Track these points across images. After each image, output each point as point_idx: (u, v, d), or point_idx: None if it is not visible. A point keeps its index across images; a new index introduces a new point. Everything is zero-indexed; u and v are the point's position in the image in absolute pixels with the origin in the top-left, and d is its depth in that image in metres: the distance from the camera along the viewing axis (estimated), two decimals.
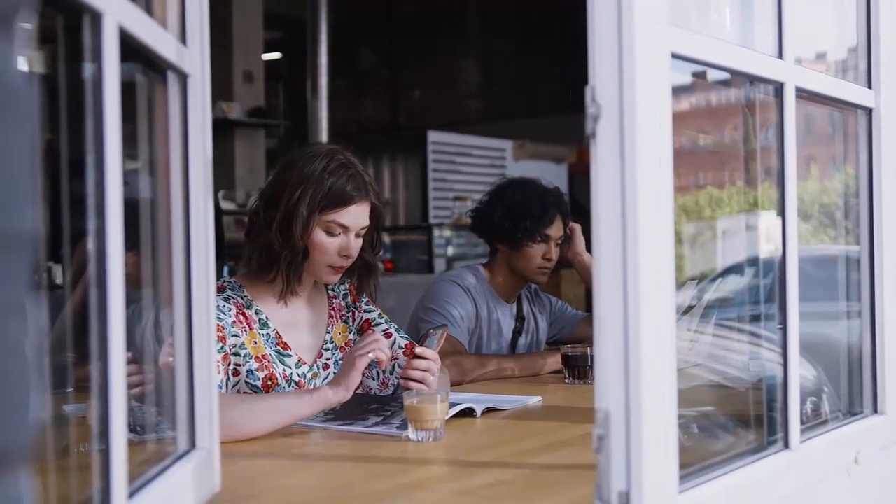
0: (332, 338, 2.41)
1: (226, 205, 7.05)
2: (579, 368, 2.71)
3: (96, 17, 1.02)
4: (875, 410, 1.87)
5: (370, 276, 2.39)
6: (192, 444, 1.41)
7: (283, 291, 2.28)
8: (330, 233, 2.24)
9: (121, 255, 1.05)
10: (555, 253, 3.09)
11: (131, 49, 1.14)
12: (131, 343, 1.10)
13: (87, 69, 1.04)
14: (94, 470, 1.07)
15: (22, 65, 0.59)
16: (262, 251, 2.25)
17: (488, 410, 2.25)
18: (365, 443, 1.91)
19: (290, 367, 2.28)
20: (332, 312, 2.43)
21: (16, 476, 0.57)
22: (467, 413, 2.17)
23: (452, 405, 2.09)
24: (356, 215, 2.25)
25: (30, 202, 0.58)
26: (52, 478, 1.21)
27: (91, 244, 1.03)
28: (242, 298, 2.26)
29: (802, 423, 1.60)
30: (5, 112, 0.56)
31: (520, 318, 3.22)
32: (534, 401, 2.41)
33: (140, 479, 1.20)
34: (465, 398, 2.25)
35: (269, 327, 2.28)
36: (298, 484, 1.69)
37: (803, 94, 1.63)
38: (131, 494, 1.11)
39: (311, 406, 2.02)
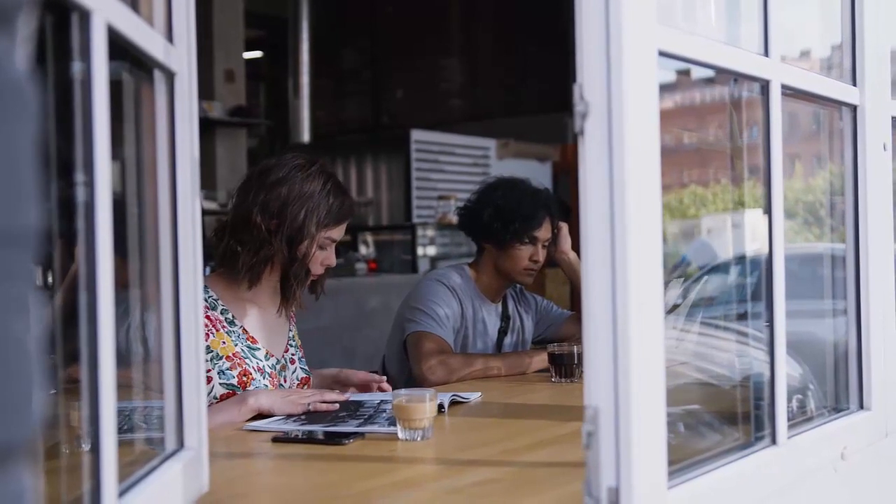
0: (293, 336, 2.54)
1: (207, 205, 7.04)
2: (566, 367, 2.72)
3: (85, 15, 1.01)
4: (861, 406, 1.88)
5: (327, 273, 2.48)
6: (181, 444, 1.40)
7: (283, 303, 2.41)
8: (321, 247, 2.38)
9: (110, 255, 1.04)
10: (541, 254, 3.09)
11: (118, 47, 1.13)
12: (117, 344, 1.10)
13: (75, 67, 1.04)
14: (81, 471, 1.07)
15: (23, 63, 0.59)
16: (264, 262, 2.33)
17: (454, 403, 2.31)
18: (353, 442, 1.90)
19: (261, 360, 2.36)
20: (291, 314, 2.56)
21: (19, 472, 0.57)
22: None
23: None
24: (343, 230, 2.43)
25: (32, 199, 0.58)
26: (40, 478, 1.21)
27: (79, 245, 1.03)
28: (206, 300, 2.29)
29: (789, 419, 1.61)
30: (9, 109, 0.56)
31: (505, 318, 3.22)
32: (474, 397, 2.44)
33: (129, 479, 1.19)
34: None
35: (236, 325, 2.36)
36: (287, 483, 1.69)
37: (789, 92, 1.63)
38: (121, 494, 1.11)
39: (242, 415, 2.14)
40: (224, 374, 2.27)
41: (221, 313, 2.34)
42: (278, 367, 2.42)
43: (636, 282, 1.20)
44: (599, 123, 1.20)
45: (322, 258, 2.38)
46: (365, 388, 2.49)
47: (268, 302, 2.43)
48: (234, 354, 2.30)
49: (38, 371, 0.59)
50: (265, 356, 2.38)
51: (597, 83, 1.20)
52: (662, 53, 1.28)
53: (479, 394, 2.47)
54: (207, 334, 2.26)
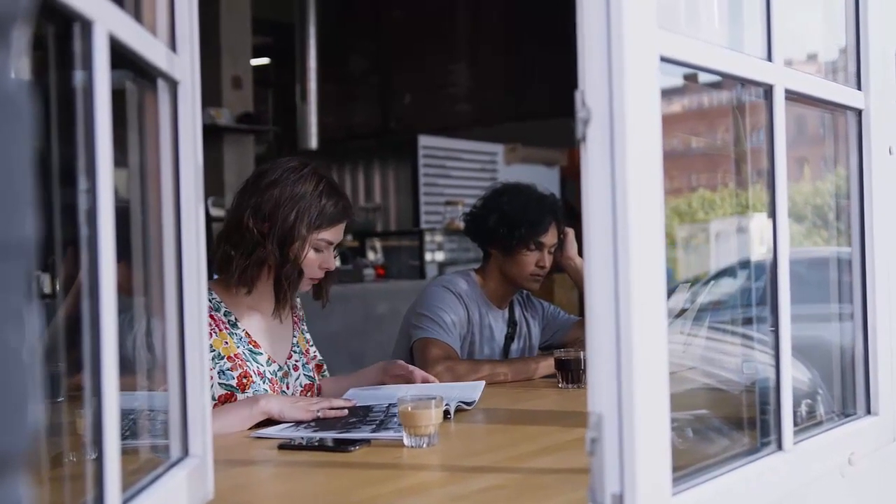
0: (297, 342, 2.53)
1: (215, 212, 7.04)
2: (572, 372, 2.71)
3: (87, 25, 1.02)
4: (868, 411, 1.88)
5: (330, 279, 2.48)
6: (186, 452, 1.41)
7: (277, 306, 2.41)
8: (317, 249, 2.37)
9: (112, 263, 1.04)
10: (548, 260, 3.09)
11: (121, 56, 1.13)
12: (123, 352, 1.10)
13: (77, 77, 1.04)
14: (86, 479, 1.07)
15: (19, 73, 0.59)
16: (257, 265, 2.34)
17: (460, 410, 2.30)
18: (359, 449, 1.90)
19: (262, 365, 2.37)
20: (296, 319, 2.56)
21: (15, 481, 0.58)
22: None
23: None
24: (341, 232, 2.42)
25: (28, 210, 0.59)
26: (46, 486, 1.21)
27: (82, 253, 1.03)
28: (211, 301, 2.30)
29: (797, 424, 1.60)
30: (4, 120, 0.57)
31: (512, 324, 3.22)
32: (479, 388, 2.47)
33: (133, 487, 1.20)
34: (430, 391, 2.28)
35: (239, 328, 2.37)
36: (293, 491, 1.69)
37: (793, 96, 1.63)
38: (125, 502, 1.11)
39: (253, 418, 2.14)
40: (224, 374, 2.28)
41: (224, 315, 2.35)
42: (280, 373, 2.42)
43: (639, 287, 1.20)
44: (601, 129, 1.20)
45: (319, 261, 2.38)
46: (408, 379, 2.53)
47: (269, 308, 2.44)
48: (235, 355, 2.31)
49: (34, 382, 0.59)
50: (267, 361, 2.38)
51: (598, 89, 1.20)
52: (664, 59, 1.28)
53: (483, 383, 2.50)
54: (210, 333, 2.26)
